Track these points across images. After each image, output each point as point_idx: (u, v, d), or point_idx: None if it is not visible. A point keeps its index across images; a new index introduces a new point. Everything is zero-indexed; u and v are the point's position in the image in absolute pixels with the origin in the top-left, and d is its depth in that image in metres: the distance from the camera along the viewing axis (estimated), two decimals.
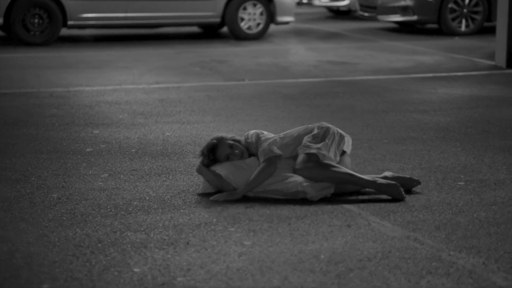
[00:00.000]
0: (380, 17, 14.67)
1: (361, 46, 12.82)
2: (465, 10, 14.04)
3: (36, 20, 12.43)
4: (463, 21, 14.10)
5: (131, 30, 14.77)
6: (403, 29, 15.31)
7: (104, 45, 13.05)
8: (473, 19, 14.13)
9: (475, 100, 8.31)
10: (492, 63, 10.73)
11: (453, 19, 14.06)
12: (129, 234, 4.23)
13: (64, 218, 4.49)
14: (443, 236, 4.23)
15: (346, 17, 18.08)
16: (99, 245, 4.07)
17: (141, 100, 8.20)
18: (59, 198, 4.86)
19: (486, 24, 14.17)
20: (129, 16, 13.02)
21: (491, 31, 13.93)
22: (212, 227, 4.36)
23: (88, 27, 13.36)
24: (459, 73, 10.06)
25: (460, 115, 7.48)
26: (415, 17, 14.07)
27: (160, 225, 4.37)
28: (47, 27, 12.52)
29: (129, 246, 4.06)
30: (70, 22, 12.66)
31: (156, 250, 4.01)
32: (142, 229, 4.31)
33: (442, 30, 14.13)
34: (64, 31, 13.37)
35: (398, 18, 14.35)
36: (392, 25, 15.81)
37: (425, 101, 8.21)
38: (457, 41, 13.46)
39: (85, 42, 13.62)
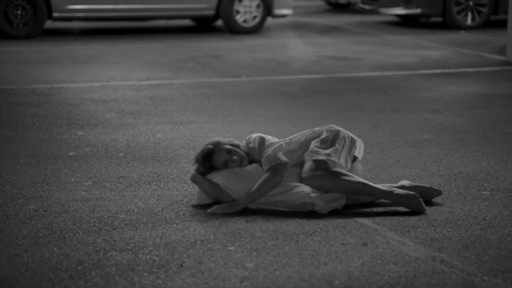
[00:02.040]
0: (382, 10, 14.32)
1: (363, 41, 12.62)
2: (471, 3, 13.77)
3: (19, 12, 12.20)
4: (469, 14, 13.81)
5: (120, 23, 14.59)
6: (406, 22, 15.12)
7: (91, 38, 12.86)
8: (479, 12, 13.78)
9: (490, 98, 8.00)
10: (503, 58, 10.51)
11: (458, 12, 13.74)
12: (114, 254, 3.86)
13: (41, 234, 4.12)
14: (474, 257, 3.83)
15: (345, 10, 17.90)
16: (79, 268, 3.70)
17: (130, 98, 7.88)
18: (36, 211, 4.48)
19: (492, 17, 13.96)
20: (118, 8, 12.84)
21: (498, 24, 13.75)
22: (209, 245, 3.98)
23: (74, 20, 13.17)
24: (469, 69, 9.82)
25: (475, 115, 7.11)
26: (418, 10, 13.75)
27: (150, 243, 4.00)
28: (31, 19, 12.32)
29: (113, 269, 3.69)
30: (55, 14, 12.48)
31: (145, 274, 3.64)
32: (129, 248, 3.94)
33: (447, 24, 13.90)
34: (49, 24, 13.20)
35: (401, 11, 14.04)
36: (394, 18, 15.62)
37: (436, 99, 7.88)
38: (463, 35, 13.27)
39: (71, 35, 13.45)
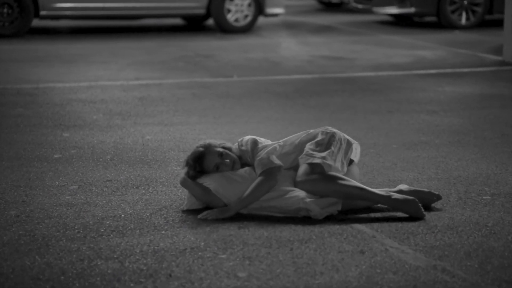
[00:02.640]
0: (376, 9, 14.16)
1: (356, 40, 12.47)
2: (465, 2, 13.64)
3: (5, 10, 11.99)
4: (463, 13, 13.64)
5: (109, 22, 14.41)
6: (400, 22, 14.99)
7: (79, 37, 12.67)
8: (473, 12, 13.63)
9: (487, 99, 7.85)
10: (499, 58, 10.36)
11: (453, 12, 13.59)
12: (99, 263, 3.68)
13: (22, 241, 3.94)
14: (476, 266, 3.66)
15: (338, 10, 17.77)
16: (62, 277, 3.53)
17: (118, 99, 7.69)
18: (18, 216, 4.29)
19: (487, 17, 13.83)
20: (107, 6, 12.66)
21: (493, 24, 13.62)
22: (200, 253, 3.80)
23: (62, 18, 13.01)
24: (465, 69, 9.67)
25: (473, 116, 6.96)
26: (412, 9, 13.60)
27: (137, 251, 3.82)
28: (18, 18, 12.12)
29: (98, 279, 3.52)
30: (42, 12, 12.29)
31: (132, 284, 3.47)
32: (115, 256, 3.76)
33: (441, 23, 13.76)
34: (36, 22, 12.99)
35: (394, 10, 13.88)
36: (387, 18, 15.46)
37: (432, 100, 7.72)
38: (457, 35, 13.13)
39: (59, 34, 13.25)
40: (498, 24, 12.84)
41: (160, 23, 14.55)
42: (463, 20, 13.63)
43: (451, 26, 13.57)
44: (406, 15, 14.26)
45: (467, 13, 13.63)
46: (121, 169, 5.20)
